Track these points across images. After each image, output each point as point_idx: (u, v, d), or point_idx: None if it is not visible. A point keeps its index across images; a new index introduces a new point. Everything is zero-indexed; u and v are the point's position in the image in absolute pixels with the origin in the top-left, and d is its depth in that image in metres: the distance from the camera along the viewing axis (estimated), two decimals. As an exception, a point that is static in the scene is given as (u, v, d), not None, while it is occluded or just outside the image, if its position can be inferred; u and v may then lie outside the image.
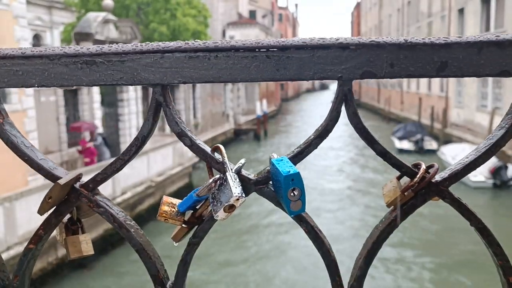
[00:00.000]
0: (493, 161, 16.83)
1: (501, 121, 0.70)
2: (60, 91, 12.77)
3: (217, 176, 0.71)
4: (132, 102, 16.33)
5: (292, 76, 0.68)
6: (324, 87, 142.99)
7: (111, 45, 0.71)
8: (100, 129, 14.37)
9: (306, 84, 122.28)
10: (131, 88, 16.34)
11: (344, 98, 0.71)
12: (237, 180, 0.68)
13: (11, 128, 0.74)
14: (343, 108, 0.73)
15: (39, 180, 10.80)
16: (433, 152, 22.72)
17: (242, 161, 0.73)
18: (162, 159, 14.29)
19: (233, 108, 31.46)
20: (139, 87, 18.15)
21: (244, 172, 0.73)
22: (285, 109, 59.82)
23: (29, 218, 8.39)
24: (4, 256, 8.04)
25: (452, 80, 25.61)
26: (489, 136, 0.70)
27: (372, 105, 52.59)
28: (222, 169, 0.71)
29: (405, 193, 0.71)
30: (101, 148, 12.36)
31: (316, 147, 0.73)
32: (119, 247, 11.18)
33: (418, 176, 0.69)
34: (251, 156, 25.53)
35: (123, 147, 16.41)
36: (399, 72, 0.67)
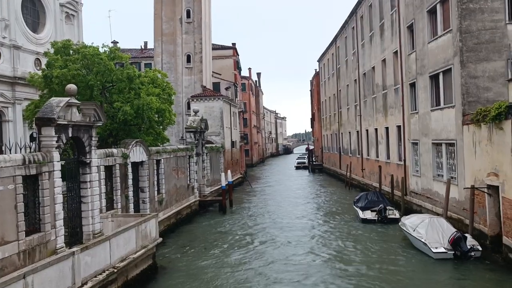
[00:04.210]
0: (451, 232, 17.33)
1: None
2: (19, 179, 12.54)
3: None
4: (95, 183, 16.14)
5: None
6: (288, 152, 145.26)
7: None
8: (62, 214, 13.99)
9: (270, 149, 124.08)
10: (94, 168, 16.19)
11: None
12: None
13: None
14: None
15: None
16: (396, 221, 23.18)
17: None
18: (124, 244, 13.98)
19: (198, 180, 31.43)
20: (102, 166, 18.04)
21: None
22: (250, 175, 60.12)
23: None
24: None
25: (408, 149, 26.69)
26: None
27: (335, 170, 53.66)
28: None
29: None
30: None
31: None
32: None
33: None
34: (217, 229, 25.29)
35: (85, 229, 16.01)
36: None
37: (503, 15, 19.02)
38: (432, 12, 22.62)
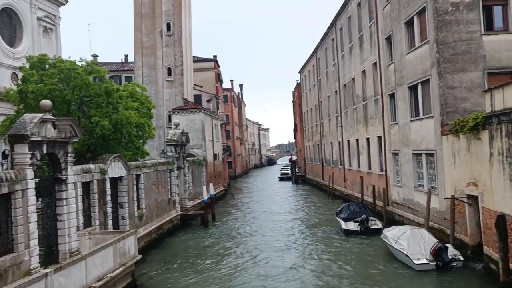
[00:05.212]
0: (433, 242, 17.32)
1: None
2: (-10, 199, 12.14)
3: None
4: (72, 200, 15.75)
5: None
6: (271, 163, 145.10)
7: None
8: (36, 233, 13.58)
9: (253, 160, 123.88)
10: (70, 185, 15.81)
11: None
12: None
13: None
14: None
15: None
16: (378, 231, 23.14)
17: None
18: (101, 262, 13.62)
19: (179, 194, 31.05)
20: (79, 183, 17.64)
21: None
22: (234, 188, 59.81)
23: None
24: None
25: (389, 160, 26.80)
26: None
27: (318, 181, 53.70)
28: None
29: None
30: None
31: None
32: None
33: None
34: (198, 243, 24.92)
35: (62, 248, 15.58)
36: None
37: (479, 26, 19.31)
38: (409, 23, 22.88)
